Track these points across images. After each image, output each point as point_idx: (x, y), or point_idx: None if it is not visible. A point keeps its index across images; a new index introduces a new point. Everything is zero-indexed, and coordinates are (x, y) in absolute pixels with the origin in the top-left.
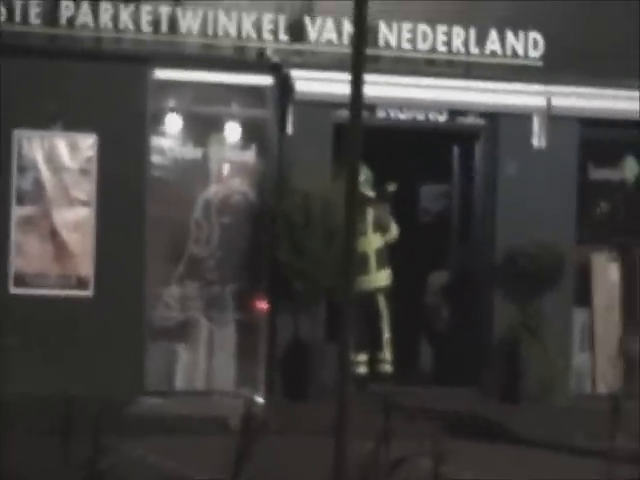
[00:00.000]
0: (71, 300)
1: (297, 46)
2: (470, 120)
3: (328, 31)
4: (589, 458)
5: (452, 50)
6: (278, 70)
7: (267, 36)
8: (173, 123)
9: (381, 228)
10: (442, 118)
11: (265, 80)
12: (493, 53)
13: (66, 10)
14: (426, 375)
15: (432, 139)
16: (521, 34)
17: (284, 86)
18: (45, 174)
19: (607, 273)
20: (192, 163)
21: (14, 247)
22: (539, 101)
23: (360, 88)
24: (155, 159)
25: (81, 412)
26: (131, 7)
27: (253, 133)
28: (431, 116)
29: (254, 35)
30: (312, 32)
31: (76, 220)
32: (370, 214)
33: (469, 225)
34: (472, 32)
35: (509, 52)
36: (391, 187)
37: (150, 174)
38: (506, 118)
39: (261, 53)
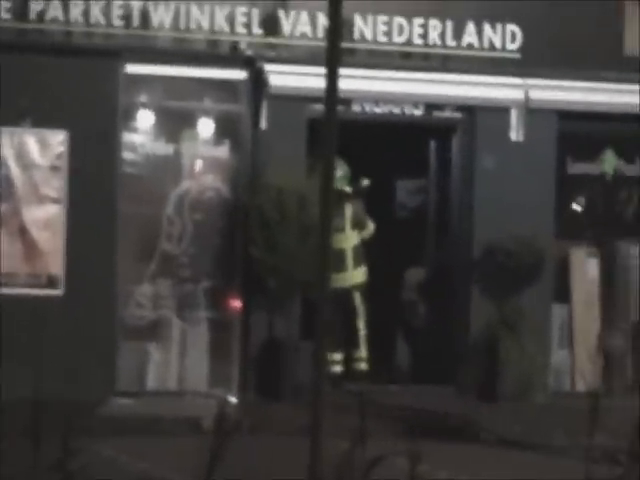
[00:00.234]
0: (41, 299)
1: (271, 40)
2: (447, 114)
3: (302, 24)
4: (567, 457)
5: (428, 43)
6: (252, 64)
7: (240, 29)
8: (145, 118)
9: (359, 225)
10: (418, 112)
11: (238, 74)
12: (470, 46)
13: (36, 4)
14: (402, 373)
15: (408, 133)
16: (498, 26)
17: (258, 80)
18: (14, 171)
19: (586, 268)
20: (164, 159)
21: None
22: (517, 94)
23: (335, 82)
24: (127, 155)
25: (52, 413)
26: (102, 1)
27: (226, 128)
28: (407, 110)
29: (227, 29)
30: (286, 25)
31: (46, 218)
32: (349, 210)
33: (446, 220)
34: (449, 24)
35: (486, 45)
36: (364, 182)
37: (122, 170)
38: (483, 111)
39: (234, 47)
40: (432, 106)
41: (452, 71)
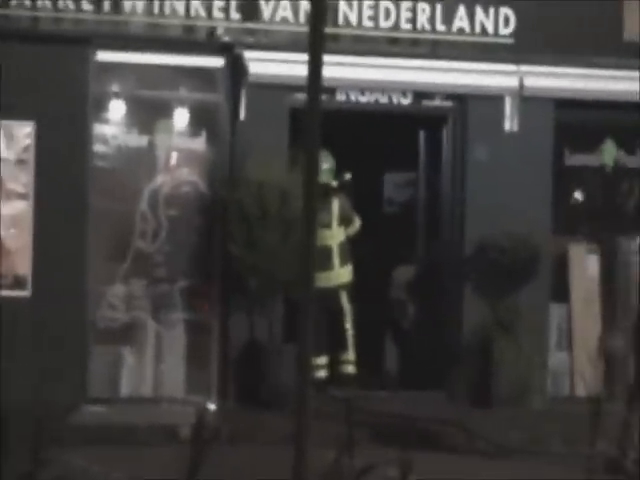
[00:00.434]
0: (7, 301)
1: (250, 25)
2: (437, 103)
3: (283, 9)
4: (567, 466)
5: (417, 28)
6: (230, 51)
7: (217, 14)
8: (117, 109)
9: (345, 220)
10: (407, 101)
11: (216, 62)
12: (461, 30)
13: None
14: (391, 377)
15: (396, 123)
16: (491, 10)
17: (236, 68)
18: None
19: (585, 265)
20: (137, 152)
21: None
22: (511, 81)
23: (318, 69)
24: (98, 148)
25: (20, 422)
26: None
27: (203, 119)
28: (395, 99)
29: (203, 14)
30: (266, 10)
31: (12, 214)
32: (335, 205)
33: (437, 215)
34: (438, 8)
35: (478, 29)
36: (346, 176)
37: (92, 164)
38: (475, 100)
39: (211, 33)
40: (421, 95)
41: (442, 57)
